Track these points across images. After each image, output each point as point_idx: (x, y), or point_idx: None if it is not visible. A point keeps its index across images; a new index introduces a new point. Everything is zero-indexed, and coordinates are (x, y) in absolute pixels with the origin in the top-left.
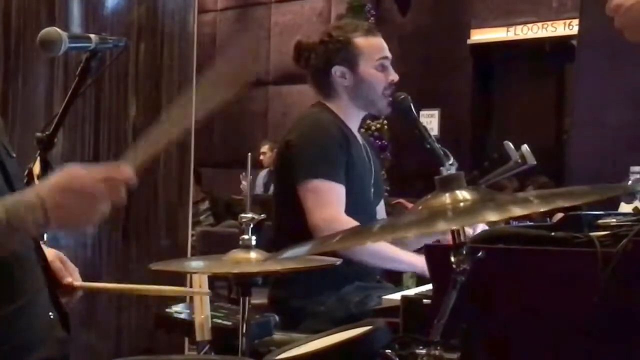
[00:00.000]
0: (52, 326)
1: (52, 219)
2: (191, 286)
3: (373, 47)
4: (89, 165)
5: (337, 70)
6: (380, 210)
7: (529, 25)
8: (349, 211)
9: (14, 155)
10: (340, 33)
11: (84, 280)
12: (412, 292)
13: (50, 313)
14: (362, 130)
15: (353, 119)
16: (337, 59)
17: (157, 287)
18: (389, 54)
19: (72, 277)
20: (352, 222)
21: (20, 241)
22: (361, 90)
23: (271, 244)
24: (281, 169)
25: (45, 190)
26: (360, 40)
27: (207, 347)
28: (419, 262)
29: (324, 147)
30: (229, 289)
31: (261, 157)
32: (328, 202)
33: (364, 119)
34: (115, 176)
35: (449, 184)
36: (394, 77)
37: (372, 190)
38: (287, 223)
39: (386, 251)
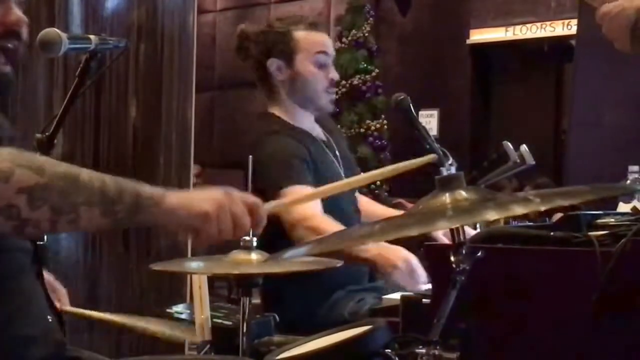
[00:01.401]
0: (51, 329)
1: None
2: (191, 286)
3: (312, 41)
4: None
5: (273, 62)
6: (358, 197)
7: (528, 26)
8: (324, 209)
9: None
10: (281, 25)
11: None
12: (411, 291)
13: (49, 317)
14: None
15: (301, 118)
16: (275, 51)
17: (146, 325)
18: (329, 51)
19: (60, 301)
20: (327, 217)
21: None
22: (297, 86)
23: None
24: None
25: (205, 195)
26: (299, 34)
27: (207, 347)
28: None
29: (283, 162)
30: (229, 289)
31: None
32: None
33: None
34: (258, 211)
35: (449, 184)
36: (334, 75)
37: (343, 172)
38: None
39: None
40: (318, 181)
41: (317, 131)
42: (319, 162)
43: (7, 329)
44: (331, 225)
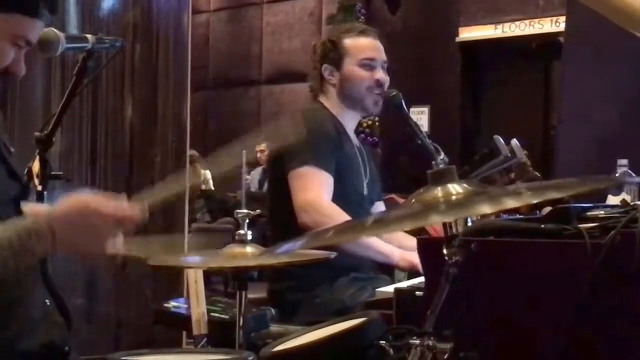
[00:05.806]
0: (49, 313)
1: (60, 247)
2: (188, 281)
3: (359, 47)
4: (101, 195)
5: (326, 69)
6: (379, 209)
7: (517, 23)
8: (340, 207)
9: (12, 150)
10: (334, 34)
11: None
12: (404, 284)
13: (47, 300)
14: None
15: (347, 119)
16: (327, 59)
17: None
18: (377, 56)
19: None
20: (333, 207)
21: (28, 265)
22: (346, 89)
23: (266, 239)
24: (274, 162)
25: (56, 220)
26: (348, 41)
27: (204, 341)
28: (395, 253)
29: (312, 137)
30: (225, 283)
31: (258, 154)
32: (311, 186)
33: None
34: (125, 214)
35: (441, 178)
36: (380, 76)
37: (367, 190)
38: (281, 218)
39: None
40: (341, 178)
41: (354, 137)
42: (346, 161)
43: (8, 315)
44: (334, 215)
